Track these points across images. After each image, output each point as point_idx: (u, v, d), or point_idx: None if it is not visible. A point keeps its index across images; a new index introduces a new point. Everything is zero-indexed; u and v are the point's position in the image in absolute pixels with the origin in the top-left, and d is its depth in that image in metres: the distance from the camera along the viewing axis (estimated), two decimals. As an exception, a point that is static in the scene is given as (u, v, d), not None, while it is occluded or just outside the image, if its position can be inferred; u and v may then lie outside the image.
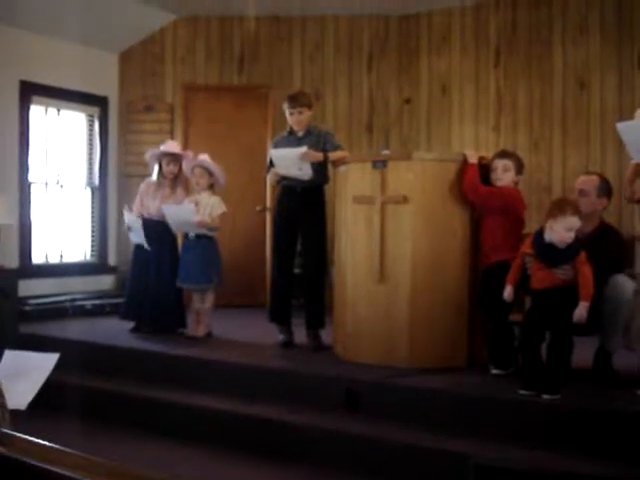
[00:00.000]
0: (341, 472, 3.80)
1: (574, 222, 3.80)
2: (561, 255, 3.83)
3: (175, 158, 5.71)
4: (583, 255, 3.82)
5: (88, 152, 7.71)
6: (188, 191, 5.79)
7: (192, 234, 5.57)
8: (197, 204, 5.52)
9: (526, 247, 3.98)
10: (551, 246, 3.84)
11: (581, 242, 3.91)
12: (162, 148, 5.78)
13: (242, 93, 7.79)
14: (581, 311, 3.74)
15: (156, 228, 5.69)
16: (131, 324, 5.85)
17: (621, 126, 4.00)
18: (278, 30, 7.74)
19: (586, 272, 3.79)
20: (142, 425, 4.54)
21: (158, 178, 5.77)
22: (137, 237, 5.77)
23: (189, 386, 4.74)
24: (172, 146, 5.84)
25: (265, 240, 7.41)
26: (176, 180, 5.76)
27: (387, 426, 3.94)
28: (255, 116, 7.69)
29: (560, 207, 3.84)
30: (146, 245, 5.69)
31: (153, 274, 5.71)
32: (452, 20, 7.40)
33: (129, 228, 5.82)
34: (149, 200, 5.76)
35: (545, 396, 3.75)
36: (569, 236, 3.80)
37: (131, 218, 5.78)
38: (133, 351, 5.26)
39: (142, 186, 5.89)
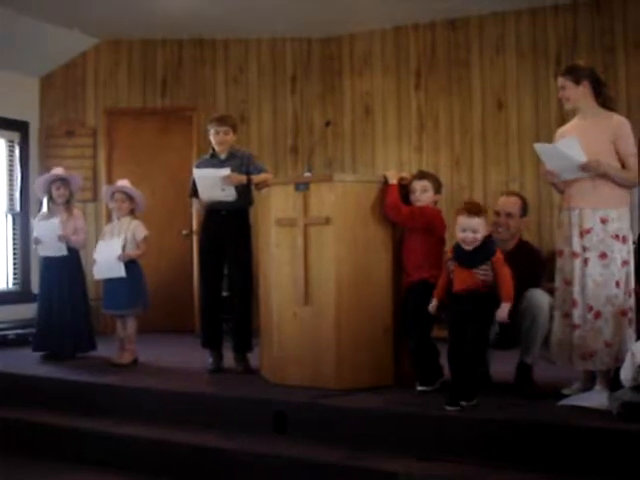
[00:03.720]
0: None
1: (464, 222, 3.95)
2: (472, 255, 3.95)
3: (65, 182, 5.80)
4: (500, 257, 3.95)
5: (8, 178, 7.56)
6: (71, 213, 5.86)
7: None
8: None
9: (449, 252, 4.11)
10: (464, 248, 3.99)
11: (496, 245, 4.05)
12: (53, 172, 5.88)
13: (166, 116, 7.75)
14: (503, 311, 3.86)
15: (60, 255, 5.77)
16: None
17: (539, 147, 4.15)
18: (201, 53, 7.74)
19: (504, 273, 3.91)
20: (69, 456, 4.44)
21: (49, 206, 5.85)
22: (47, 249, 5.79)
23: (116, 415, 4.65)
24: (59, 170, 5.93)
25: (192, 264, 7.35)
26: (69, 204, 5.84)
27: (316, 447, 3.94)
28: (179, 139, 7.66)
29: (457, 210, 4.03)
30: (64, 252, 5.73)
31: (64, 300, 5.76)
32: (373, 42, 7.53)
33: (37, 241, 5.82)
34: None
35: (463, 403, 3.84)
36: (465, 236, 3.95)
37: (42, 225, 5.77)
38: (57, 381, 5.13)
39: (36, 220, 5.98)
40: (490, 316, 3.90)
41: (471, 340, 3.90)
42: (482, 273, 3.94)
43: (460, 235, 3.97)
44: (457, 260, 4.01)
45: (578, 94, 4.11)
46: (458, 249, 4.01)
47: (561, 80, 4.13)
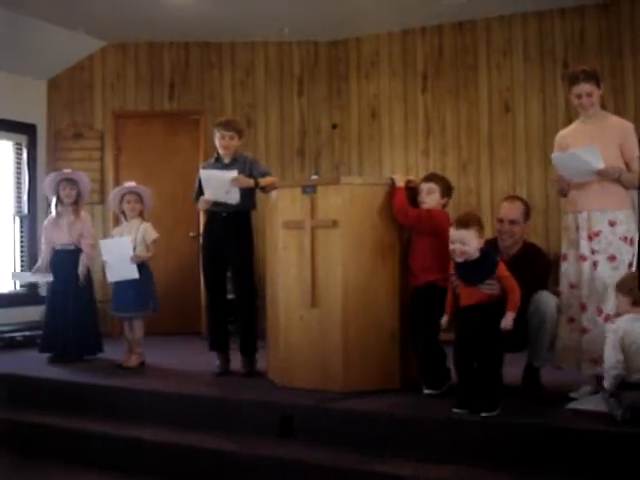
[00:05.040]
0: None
1: (452, 234, 3.93)
2: (474, 273, 3.90)
3: (72, 182, 5.83)
4: (503, 268, 3.91)
5: (16, 181, 7.59)
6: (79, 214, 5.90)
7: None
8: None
9: (451, 268, 4.06)
10: (464, 264, 3.93)
11: (504, 261, 4.02)
12: (61, 171, 5.96)
13: (173, 119, 7.77)
14: (507, 320, 3.81)
15: (68, 257, 5.81)
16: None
17: (556, 157, 4.14)
18: (208, 56, 7.76)
19: (510, 284, 3.87)
20: (75, 458, 4.45)
21: (57, 207, 5.88)
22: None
23: (123, 417, 4.65)
24: (67, 170, 5.99)
25: (199, 266, 7.31)
26: (77, 205, 5.87)
27: (322, 451, 3.93)
28: (186, 142, 7.68)
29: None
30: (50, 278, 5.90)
31: (71, 302, 5.78)
32: (380, 45, 7.53)
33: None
34: (55, 232, 5.85)
35: (483, 413, 3.79)
36: (454, 248, 3.91)
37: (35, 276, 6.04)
38: (63, 383, 5.14)
39: (45, 223, 6.02)
40: (499, 328, 3.86)
41: (486, 355, 3.86)
42: (487, 288, 3.88)
43: (450, 247, 3.94)
44: (460, 278, 3.95)
45: (598, 98, 4.14)
46: (459, 265, 3.95)
47: (588, 87, 4.09)
